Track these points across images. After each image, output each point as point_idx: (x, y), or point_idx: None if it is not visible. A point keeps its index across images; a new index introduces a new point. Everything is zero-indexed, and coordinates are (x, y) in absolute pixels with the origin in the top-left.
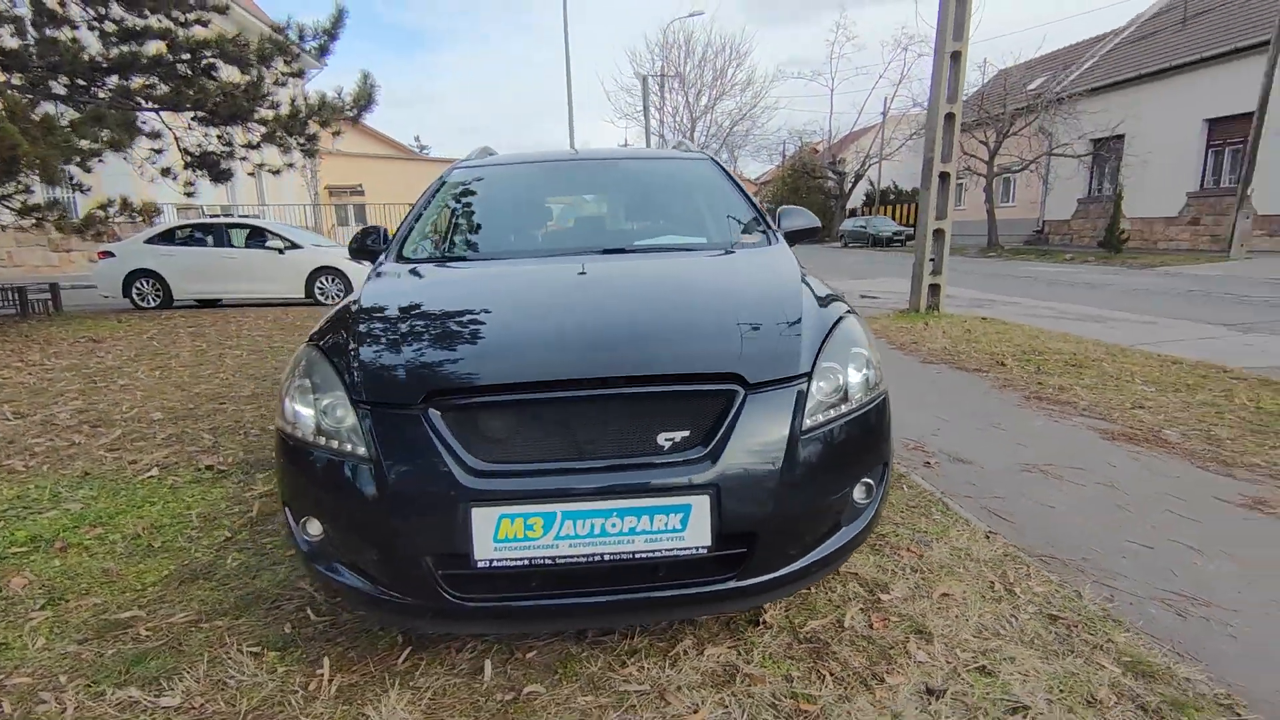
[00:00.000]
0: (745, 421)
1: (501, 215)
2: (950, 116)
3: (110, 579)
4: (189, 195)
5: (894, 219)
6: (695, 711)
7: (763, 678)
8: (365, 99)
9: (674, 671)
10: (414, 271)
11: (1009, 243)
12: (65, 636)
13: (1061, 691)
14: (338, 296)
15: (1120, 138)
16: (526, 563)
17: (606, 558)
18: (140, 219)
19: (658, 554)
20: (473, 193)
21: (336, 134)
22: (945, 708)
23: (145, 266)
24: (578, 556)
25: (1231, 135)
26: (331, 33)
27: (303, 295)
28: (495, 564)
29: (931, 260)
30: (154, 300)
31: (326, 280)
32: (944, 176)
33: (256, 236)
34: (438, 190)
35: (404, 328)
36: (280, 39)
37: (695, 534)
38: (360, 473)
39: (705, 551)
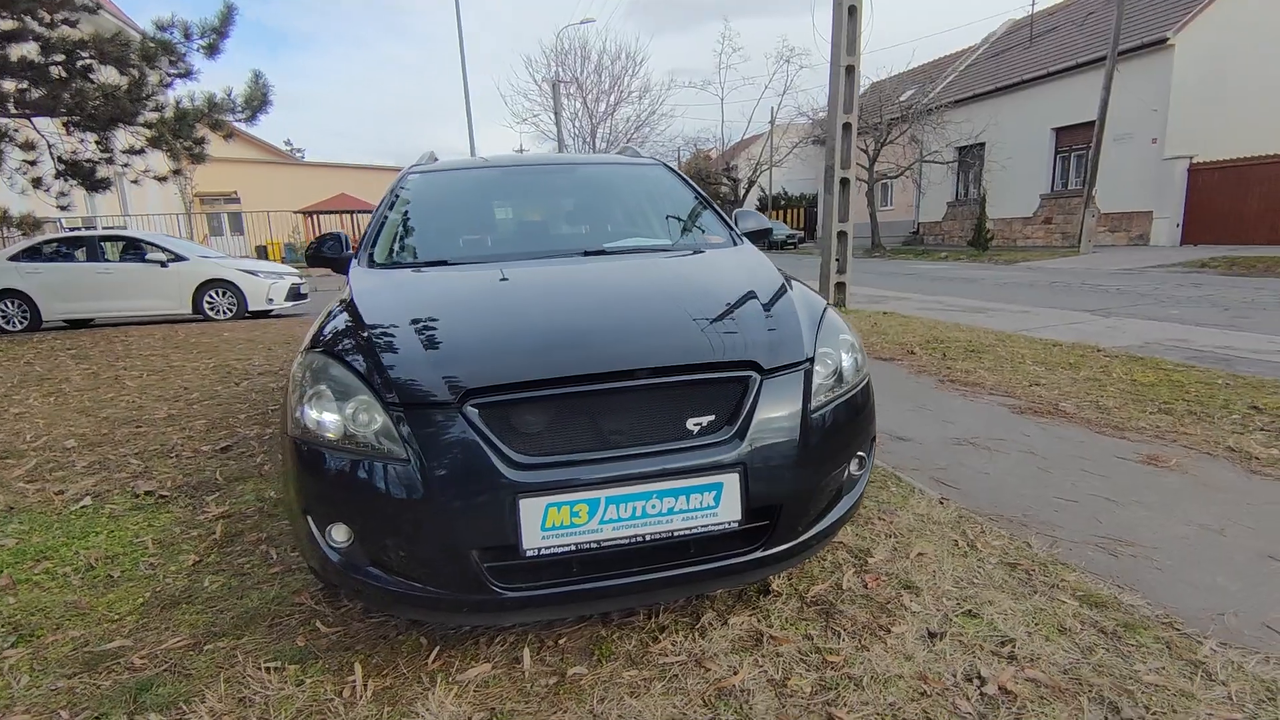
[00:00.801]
0: (764, 404)
1: (473, 219)
2: (847, 126)
3: (80, 611)
4: (63, 209)
5: (785, 223)
6: (735, 674)
7: (786, 638)
8: (259, 100)
9: (705, 642)
10: (403, 275)
11: (889, 243)
12: (50, 672)
13: (1036, 624)
14: (230, 312)
15: (982, 145)
16: (573, 548)
17: (648, 538)
18: (20, 233)
19: (694, 531)
20: (437, 197)
21: (228, 137)
22: (948, 646)
23: (9, 286)
24: (621, 539)
25: (1076, 142)
26: (220, 31)
27: (189, 311)
28: (543, 552)
29: (837, 260)
30: (19, 323)
31: (217, 294)
32: (844, 182)
33: (133, 249)
34: (398, 195)
35: (421, 330)
36: (164, 37)
37: (727, 510)
38: (399, 473)
39: (735, 526)
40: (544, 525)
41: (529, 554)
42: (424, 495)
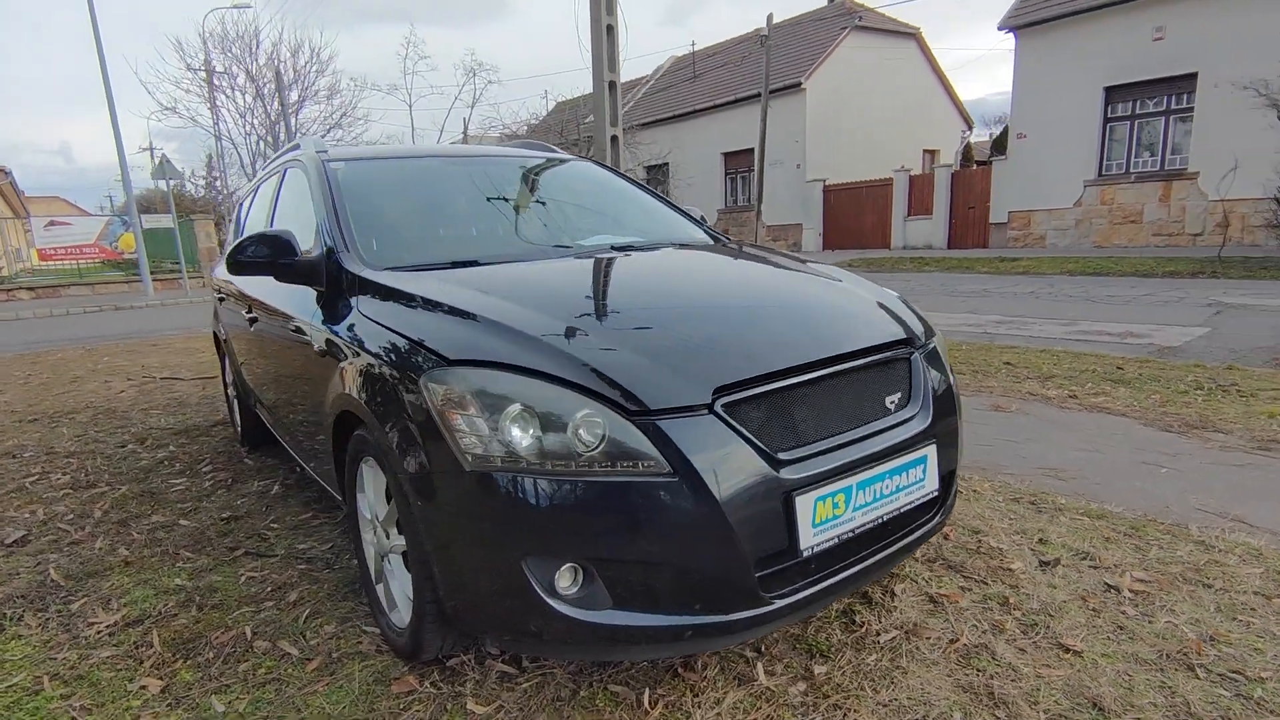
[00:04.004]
0: (927, 377)
1: (457, 215)
2: (615, 139)
3: None
4: None
5: None
6: (958, 638)
7: (953, 595)
8: None
9: (898, 615)
10: (458, 275)
11: None
12: None
13: (1089, 539)
14: None
15: (666, 165)
16: (835, 540)
17: (884, 518)
18: None
19: (912, 504)
20: (397, 192)
21: None
22: (1063, 570)
23: None
24: (866, 523)
25: (740, 165)
26: None
27: None
28: (815, 549)
29: None
30: None
31: None
32: None
33: None
34: (336, 190)
35: (600, 331)
36: None
37: (930, 481)
38: (665, 489)
39: (935, 494)
40: (814, 521)
41: (805, 553)
42: (700, 509)
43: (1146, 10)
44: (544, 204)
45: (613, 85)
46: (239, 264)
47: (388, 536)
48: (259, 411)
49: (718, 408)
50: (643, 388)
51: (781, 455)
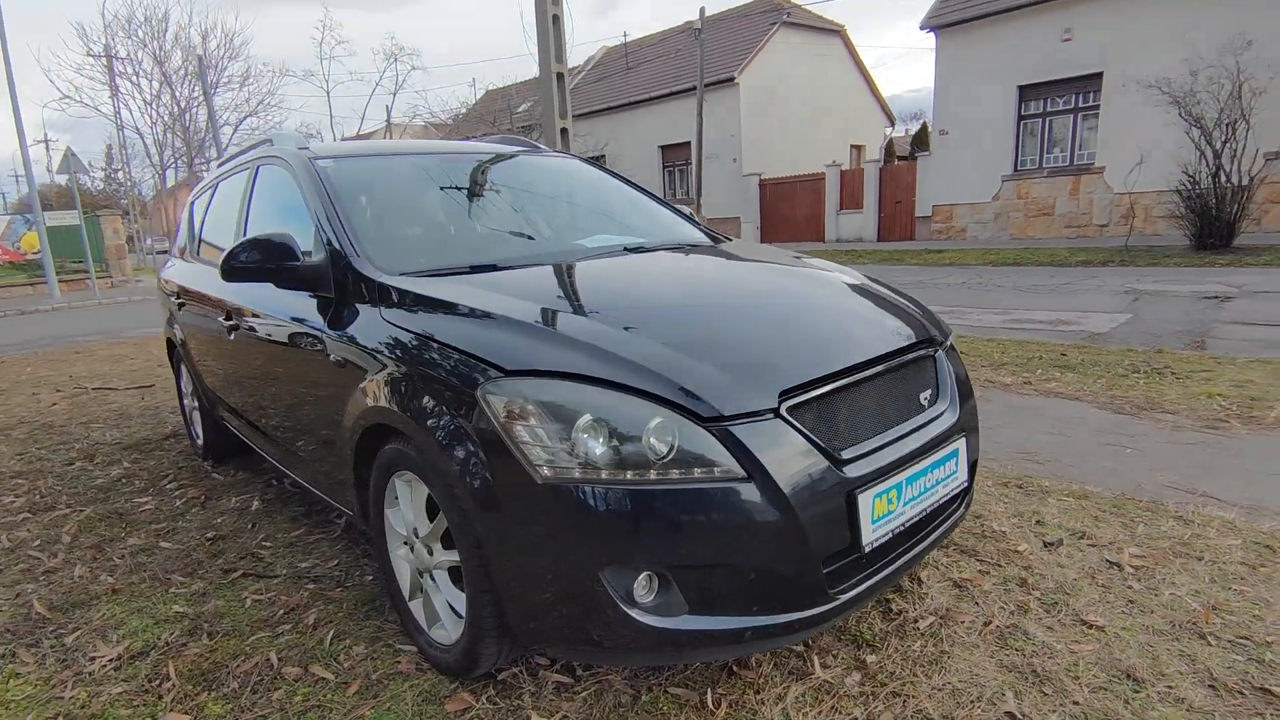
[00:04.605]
0: (950, 373)
1: (465, 217)
2: (564, 131)
3: None
4: None
5: None
6: (990, 621)
7: (976, 579)
8: None
9: (930, 602)
10: (487, 280)
11: None
12: None
13: (1081, 520)
14: None
15: (603, 157)
16: (890, 535)
17: (927, 510)
18: None
19: (948, 495)
20: (393, 193)
21: None
22: (1067, 550)
23: None
24: (913, 516)
25: (677, 159)
26: None
27: None
28: (873, 544)
29: None
30: None
31: None
32: None
33: None
34: (333, 190)
35: (654, 334)
36: None
37: (961, 472)
38: (741, 493)
39: (965, 485)
40: (873, 517)
41: (866, 549)
42: (773, 511)
43: (1056, 12)
44: (541, 202)
45: (560, 77)
46: (234, 270)
47: (430, 553)
48: (228, 423)
49: (783, 410)
50: (712, 394)
51: (844, 454)
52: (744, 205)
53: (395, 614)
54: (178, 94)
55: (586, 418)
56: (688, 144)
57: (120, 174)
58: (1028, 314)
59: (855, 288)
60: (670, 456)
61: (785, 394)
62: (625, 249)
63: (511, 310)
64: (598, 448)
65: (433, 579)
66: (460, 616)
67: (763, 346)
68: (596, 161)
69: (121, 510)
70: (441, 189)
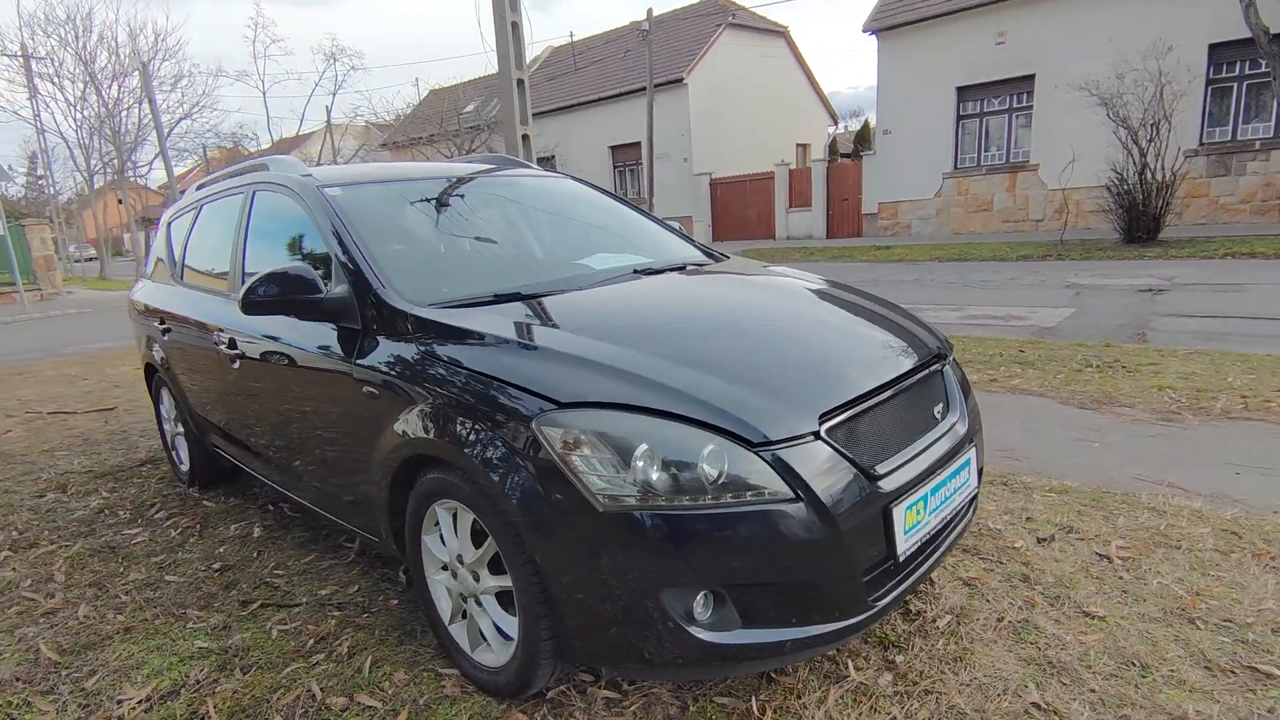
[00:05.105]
0: (956, 384)
1: (475, 241)
2: (525, 137)
3: None
4: None
5: None
6: (1003, 617)
7: (983, 577)
8: None
9: (942, 602)
10: (511, 310)
11: None
12: None
13: (1068, 514)
14: None
15: (553, 157)
16: (918, 543)
17: (946, 517)
18: None
19: (963, 502)
20: (408, 218)
21: None
22: (1058, 544)
23: None
24: (936, 524)
25: (628, 158)
26: None
27: None
28: (905, 553)
29: None
30: None
31: None
32: None
33: None
34: (348, 220)
35: (693, 362)
36: None
37: (973, 479)
38: (791, 513)
39: (975, 491)
40: (905, 529)
41: (900, 558)
42: (820, 528)
43: (990, 16)
44: (543, 224)
45: (521, 83)
46: (254, 304)
47: (476, 578)
48: (220, 449)
49: (823, 432)
50: (758, 419)
51: (877, 470)
52: (695, 204)
53: (430, 638)
54: (104, 95)
55: (644, 447)
56: (638, 144)
57: (43, 180)
58: (981, 310)
59: (865, 308)
60: (722, 481)
61: (824, 416)
62: (635, 270)
63: (552, 342)
64: (655, 475)
65: (479, 603)
66: (508, 639)
67: (797, 370)
68: (590, 183)
69: (112, 544)
70: (448, 215)
